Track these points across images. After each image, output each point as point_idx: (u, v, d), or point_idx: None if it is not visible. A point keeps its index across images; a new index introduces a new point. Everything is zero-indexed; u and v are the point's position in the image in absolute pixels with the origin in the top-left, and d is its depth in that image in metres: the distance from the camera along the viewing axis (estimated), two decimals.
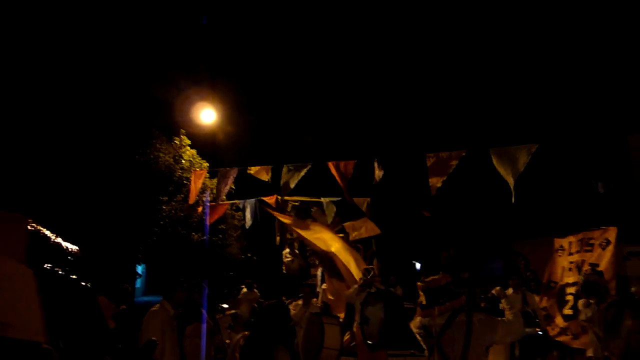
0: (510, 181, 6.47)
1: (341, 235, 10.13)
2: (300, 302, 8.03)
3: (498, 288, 7.16)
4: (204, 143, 14.94)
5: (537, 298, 8.37)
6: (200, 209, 12.77)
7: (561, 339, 8.10)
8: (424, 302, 3.95)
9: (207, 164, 14.47)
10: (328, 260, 8.53)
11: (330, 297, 8.45)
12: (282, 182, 8.84)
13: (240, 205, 11.81)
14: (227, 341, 7.80)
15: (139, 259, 14.05)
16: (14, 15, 11.80)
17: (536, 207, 18.45)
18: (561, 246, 8.78)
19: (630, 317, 5.10)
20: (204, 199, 12.32)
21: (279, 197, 11.37)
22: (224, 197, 10.39)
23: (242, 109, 18.57)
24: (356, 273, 7.94)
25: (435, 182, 6.73)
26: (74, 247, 10.77)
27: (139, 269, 15.04)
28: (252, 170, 9.59)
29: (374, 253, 10.72)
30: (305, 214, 12.21)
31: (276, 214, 9.43)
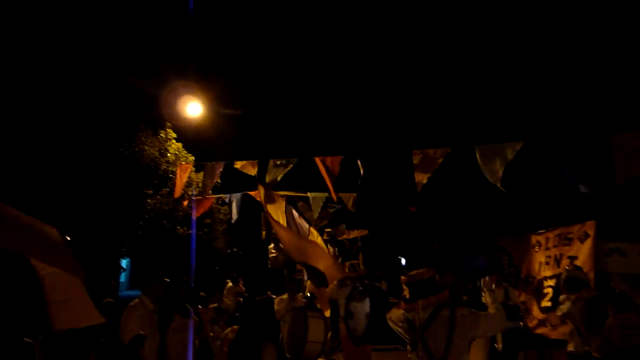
0: (494, 179, 6.53)
1: (328, 230, 10.15)
2: (285, 296, 8.03)
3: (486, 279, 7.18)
4: (190, 137, 14.87)
5: (516, 293, 8.50)
6: (185, 202, 12.71)
7: (540, 330, 8.23)
8: (407, 296, 3.98)
9: (193, 158, 14.41)
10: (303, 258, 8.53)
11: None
12: (268, 177, 8.82)
13: (226, 200, 11.78)
14: (211, 334, 7.80)
15: (124, 252, 13.95)
16: None
17: (520, 204, 18.66)
18: (538, 242, 8.91)
19: (612, 313, 5.19)
20: (190, 192, 12.26)
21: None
22: (210, 191, 10.35)
23: (228, 103, 18.49)
24: (329, 273, 7.97)
25: (421, 178, 6.76)
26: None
27: (124, 262, 14.94)
28: (239, 164, 9.55)
29: (359, 248, 10.78)
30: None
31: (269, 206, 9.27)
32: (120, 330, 5.37)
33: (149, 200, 13.15)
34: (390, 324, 4.10)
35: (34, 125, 11.76)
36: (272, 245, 11.72)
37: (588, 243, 8.03)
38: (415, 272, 4.00)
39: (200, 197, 10.56)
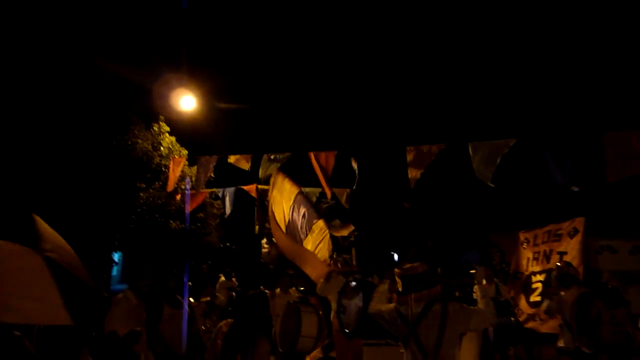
0: (486, 175, 6.56)
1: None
2: (277, 291, 8.05)
3: (479, 269, 7.21)
4: (183, 130, 14.80)
5: (506, 288, 8.58)
6: (178, 196, 12.68)
7: (530, 325, 8.31)
8: (400, 289, 3.99)
9: (186, 152, 14.36)
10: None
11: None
12: (261, 172, 8.81)
13: (220, 194, 11.77)
14: (203, 327, 7.81)
15: (116, 246, 13.89)
16: None
17: (513, 201, 18.76)
18: (526, 239, 9.01)
19: (603, 309, 5.24)
20: (183, 186, 12.23)
21: (258, 185, 11.36)
22: (203, 186, 10.33)
23: (222, 97, 18.42)
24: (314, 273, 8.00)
25: (415, 174, 6.78)
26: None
27: (116, 256, 14.88)
28: (232, 159, 9.53)
29: (351, 243, 10.80)
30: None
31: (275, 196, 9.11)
32: (104, 324, 5.35)
33: (141, 194, 13.09)
34: (381, 320, 4.10)
35: (25, 118, 11.66)
36: (264, 240, 11.73)
37: (577, 238, 8.12)
38: (409, 265, 4.02)
39: (194, 191, 10.54)
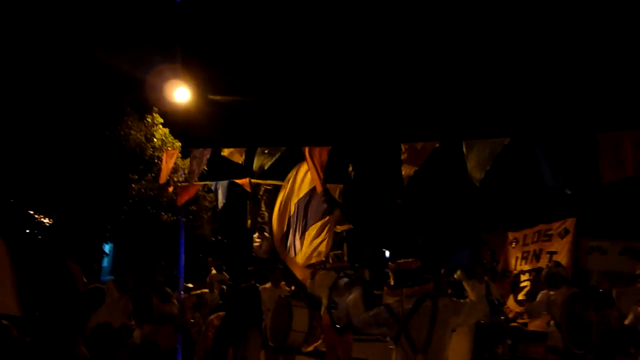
0: (479, 174, 6.57)
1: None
2: (268, 285, 8.05)
3: (459, 272, 7.28)
4: (176, 122, 14.71)
5: (496, 287, 8.63)
6: (171, 188, 12.62)
7: (516, 323, 8.37)
8: (392, 283, 4.00)
9: (180, 144, 14.29)
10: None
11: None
12: (255, 165, 8.78)
13: (213, 187, 11.72)
14: (192, 320, 7.79)
15: (107, 237, 13.84)
16: None
17: (505, 200, 18.85)
18: (515, 238, 9.08)
19: (594, 310, 5.28)
20: (176, 179, 12.18)
21: (251, 179, 11.32)
22: (196, 178, 10.28)
23: (217, 90, 18.33)
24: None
25: (408, 171, 6.77)
26: (47, 220, 10.56)
27: (107, 247, 14.82)
28: (226, 152, 9.48)
29: (343, 239, 10.80)
30: (277, 199, 12.20)
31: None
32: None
33: (133, 185, 13.04)
34: (372, 327, 4.07)
35: (18, 109, 11.57)
36: (256, 234, 11.72)
37: (567, 238, 8.19)
38: (403, 260, 4.03)
39: (186, 184, 10.48)
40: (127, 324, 5.19)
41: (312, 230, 8.41)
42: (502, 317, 7.68)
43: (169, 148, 13.15)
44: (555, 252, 8.18)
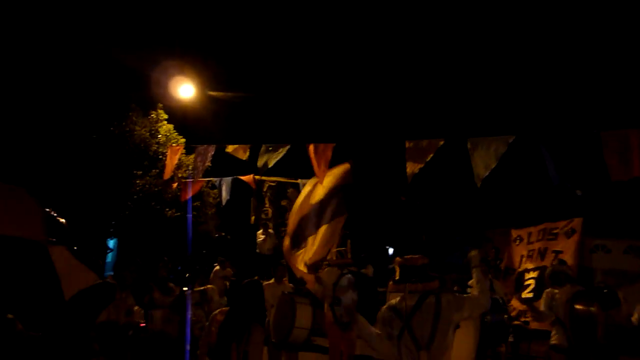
0: (483, 172, 6.55)
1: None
2: (272, 281, 8.06)
3: (475, 252, 7.26)
4: (181, 119, 14.75)
5: (500, 285, 8.59)
6: (175, 184, 12.65)
7: (519, 321, 8.33)
8: (397, 277, 4.00)
9: (184, 140, 14.32)
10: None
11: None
12: (259, 162, 8.78)
13: (216, 183, 11.73)
14: (193, 318, 7.80)
15: (111, 233, 13.89)
16: None
17: (509, 198, 18.80)
18: (519, 236, 9.00)
19: (599, 309, 5.25)
20: (180, 175, 12.20)
21: (255, 176, 11.34)
22: (201, 174, 10.31)
23: (221, 86, 18.35)
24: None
25: (413, 169, 6.76)
26: (62, 220, 10.58)
27: (111, 243, 14.88)
28: (230, 148, 9.49)
29: (346, 235, 10.80)
30: (281, 195, 12.21)
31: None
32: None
33: (138, 181, 13.07)
34: (378, 325, 4.07)
35: (24, 104, 11.62)
36: (260, 231, 11.73)
37: (574, 239, 8.14)
38: (410, 256, 4.02)
39: (191, 180, 10.51)
40: (131, 322, 5.21)
41: (325, 229, 8.45)
42: (505, 316, 7.65)
43: (174, 144, 13.16)
44: (561, 252, 8.12)
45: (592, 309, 5.52)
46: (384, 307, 4.05)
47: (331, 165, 8.19)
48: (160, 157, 13.66)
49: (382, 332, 3.98)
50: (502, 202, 18.73)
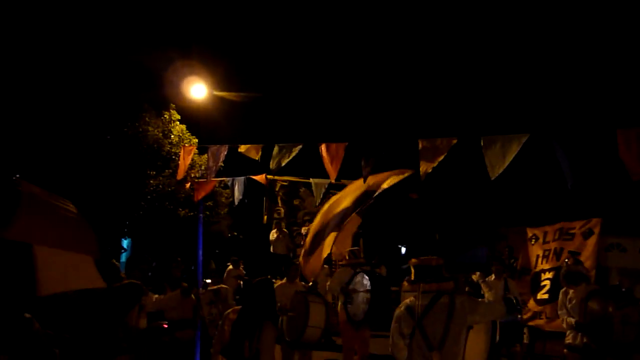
0: (497, 170, 6.49)
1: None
2: (284, 281, 8.08)
3: (478, 273, 7.27)
4: (193, 118, 14.83)
5: (514, 284, 8.50)
6: (188, 184, 12.72)
7: (534, 322, 8.24)
8: (412, 278, 4.01)
9: (197, 140, 14.40)
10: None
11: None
12: (272, 162, 8.80)
13: (229, 183, 11.78)
14: (208, 317, 7.83)
15: (125, 233, 14.00)
16: None
17: (522, 196, 18.64)
18: (534, 235, 8.85)
19: (614, 308, 5.20)
20: (193, 175, 12.27)
21: (267, 175, 11.36)
22: (213, 174, 10.35)
23: (233, 86, 18.41)
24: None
25: (426, 167, 6.71)
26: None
27: (125, 243, 15.00)
28: (243, 148, 9.52)
29: (359, 235, 10.80)
30: (293, 195, 12.25)
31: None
32: None
33: (151, 181, 13.17)
34: (395, 324, 4.09)
35: (39, 104, 11.75)
36: (275, 230, 11.77)
37: (592, 240, 7.94)
38: (425, 257, 4.04)
39: (203, 180, 10.56)
40: (157, 326, 5.26)
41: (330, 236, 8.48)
42: (519, 316, 7.59)
43: (186, 144, 13.24)
44: (578, 253, 7.94)
45: (607, 308, 5.47)
46: (401, 305, 4.06)
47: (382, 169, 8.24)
48: (173, 157, 13.75)
49: (397, 331, 3.99)
50: (516, 200, 18.59)
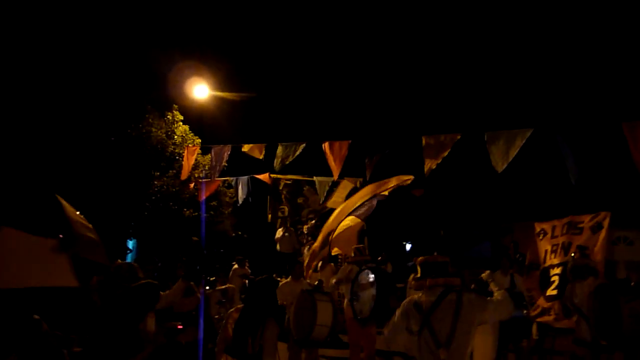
0: (501, 165, 6.48)
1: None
2: (289, 279, 8.10)
3: (487, 272, 7.24)
4: (196, 119, 14.85)
5: (522, 280, 8.44)
6: (192, 184, 12.75)
7: (543, 319, 8.18)
8: (419, 275, 4.00)
9: (200, 140, 14.41)
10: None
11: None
12: (276, 161, 8.81)
13: (233, 182, 11.80)
14: (216, 316, 7.83)
15: (130, 233, 14.03)
16: None
17: (528, 191, 18.58)
18: (542, 230, 8.76)
19: (622, 302, 5.18)
20: (197, 175, 12.28)
21: (271, 174, 11.38)
22: (217, 174, 10.38)
23: (236, 86, 18.43)
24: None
25: (430, 164, 6.72)
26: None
27: (130, 244, 15.03)
28: (246, 148, 9.54)
29: (364, 232, 10.80)
30: (297, 193, 12.26)
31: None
32: None
33: (155, 182, 13.19)
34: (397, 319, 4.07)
35: (42, 105, 11.78)
36: (281, 228, 11.77)
37: (601, 234, 7.83)
38: (431, 256, 4.03)
39: (207, 180, 10.59)
40: (171, 327, 5.27)
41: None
42: (525, 311, 7.55)
43: (190, 145, 13.27)
44: (586, 248, 7.84)
45: (615, 301, 5.44)
46: (407, 299, 4.04)
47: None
48: (177, 157, 13.77)
49: (400, 323, 3.97)
50: (521, 195, 18.53)
